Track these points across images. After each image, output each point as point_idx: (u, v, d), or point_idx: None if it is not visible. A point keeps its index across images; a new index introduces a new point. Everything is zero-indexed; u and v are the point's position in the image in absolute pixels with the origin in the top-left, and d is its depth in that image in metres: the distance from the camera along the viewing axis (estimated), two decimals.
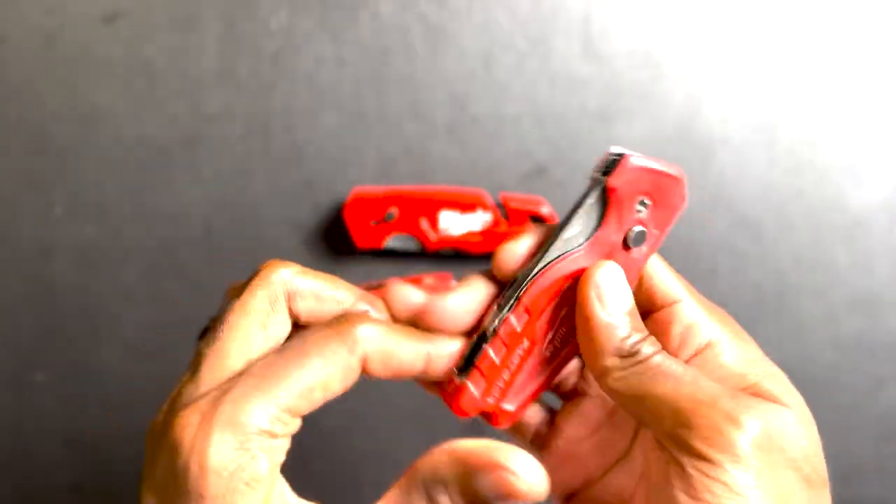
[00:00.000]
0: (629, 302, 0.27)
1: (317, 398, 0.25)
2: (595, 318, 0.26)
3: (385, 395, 0.53)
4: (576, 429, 0.31)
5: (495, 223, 0.50)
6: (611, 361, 0.26)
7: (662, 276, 0.28)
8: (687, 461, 0.24)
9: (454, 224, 0.50)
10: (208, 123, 0.53)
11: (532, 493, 0.27)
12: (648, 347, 0.26)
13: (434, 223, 0.50)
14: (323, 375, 0.24)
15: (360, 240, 0.50)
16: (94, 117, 0.53)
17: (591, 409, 0.31)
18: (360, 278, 0.53)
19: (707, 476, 0.24)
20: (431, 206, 0.50)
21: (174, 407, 0.24)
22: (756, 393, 0.26)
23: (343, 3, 0.52)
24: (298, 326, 0.26)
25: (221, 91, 0.52)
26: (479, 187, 0.53)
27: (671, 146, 0.53)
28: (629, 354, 0.26)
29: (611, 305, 0.26)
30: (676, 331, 0.27)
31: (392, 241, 0.51)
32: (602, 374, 0.26)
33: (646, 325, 0.27)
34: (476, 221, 0.50)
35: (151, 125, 0.53)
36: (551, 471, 0.29)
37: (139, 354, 0.54)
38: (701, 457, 0.24)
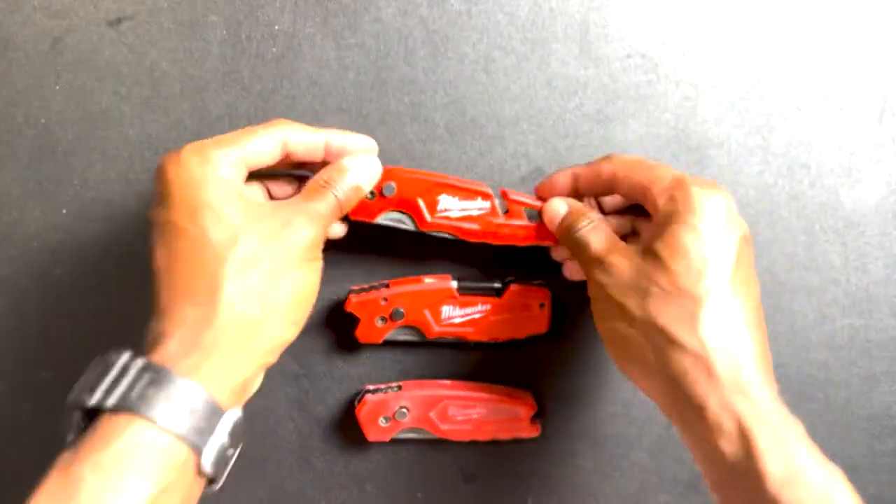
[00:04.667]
0: (563, 210, 0.48)
1: (247, 149, 0.42)
2: (552, 227, 0.48)
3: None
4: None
5: (492, 213, 0.48)
6: (568, 239, 0.47)
7: (635, 176, 0.45)
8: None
9: (452, 208, 0.48)
10: (212, 125, 0.53)
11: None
12: (585, 225, 0.46)
13: (432, 205, 0.48)
14: (258, 142, 0.43)
15: (353, 211, 0.47)
16: (99, 119, 0.53)
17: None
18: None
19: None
20: (431, 187, 0.48)
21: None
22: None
23: (345, 8, 0.53)
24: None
25: (225, 93, 0.53)
26: None
27: (667, 148, 0.53)
28: (574, 231, 0.46)
29: (555, 219, 0.48)
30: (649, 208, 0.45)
31: (386, 217, 0.48)
32: (567, 245, 0.48)
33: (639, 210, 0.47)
34: (473, 208, 0.48)
35: (156, 127, 0.53)
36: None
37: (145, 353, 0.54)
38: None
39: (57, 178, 0.53)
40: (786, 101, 0.54)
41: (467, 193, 0.48)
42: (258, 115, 0.53)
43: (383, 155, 0.54)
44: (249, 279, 0.39)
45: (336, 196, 0.44)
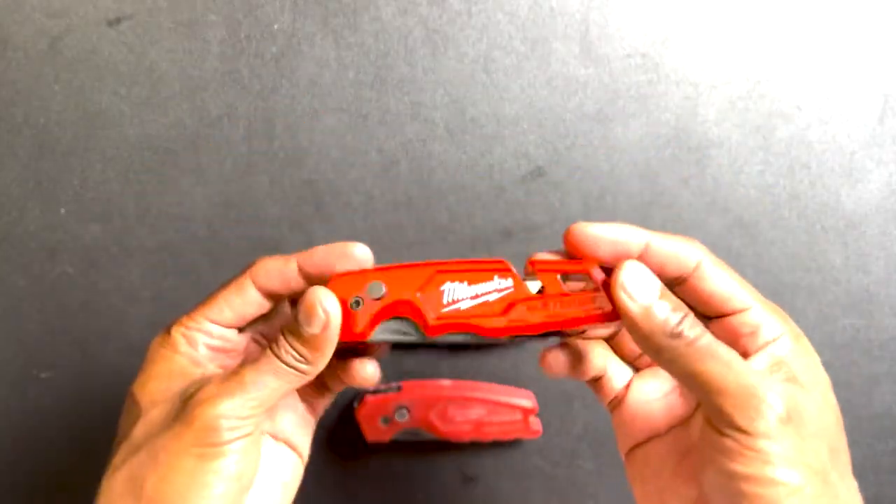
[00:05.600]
0: (657, 288, 0.31)
1: (226, 313, 0.36)
2: (630, 310, 0.31)
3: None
4: (648, 392, 0.36)
5: (519, 292, 0.34)
6: (661, 341, 0.31)
7: (729, 287, 0.33)
8: (727, 430, 0.30)
9: (462, 297, 0.34)
10: (212, 125, 0.53)
11: None
12: (692, 329, 0.31)
13: (435, 299, 0.34)
14: (230, 293, 0.36)
15: (345, 334, 0.34)
16: (98, 119, 0.53)
17: (663, 377, 0.36)
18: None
19: (742, 445, 0.29)
20: (430, 275, 0.35)
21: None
22: (787, 377, 0.31)
23: (345, 7, 0.53)
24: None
25: (224, 93, 0.53)
26: (479, 188, 0.53)
27: (667, 148, 0.53)
28: (674, 335, 0.30)
29: (640, 296, 0.31)
30: (746, 331, 0.32)
31: (382, 330, 0.35)
32: (657, 354, 0.31)
33: (718, 326, 0.33)
34: (491, 291, 0.34)
35: (155, 127, 0.53)
36: (623, 424, 0.36)
37: (143, 353, 0.54)
38: (738, 428, 0.29)
39: (56, 178, 0.53)
40: (786, 101, 0.54)
41: (478, 273, 0.34)
42: (258, 115, 0.53)
43: (383, 156, 0.53)
44: (126, 470, 0.33)
45: (273, 353, 0.33)
